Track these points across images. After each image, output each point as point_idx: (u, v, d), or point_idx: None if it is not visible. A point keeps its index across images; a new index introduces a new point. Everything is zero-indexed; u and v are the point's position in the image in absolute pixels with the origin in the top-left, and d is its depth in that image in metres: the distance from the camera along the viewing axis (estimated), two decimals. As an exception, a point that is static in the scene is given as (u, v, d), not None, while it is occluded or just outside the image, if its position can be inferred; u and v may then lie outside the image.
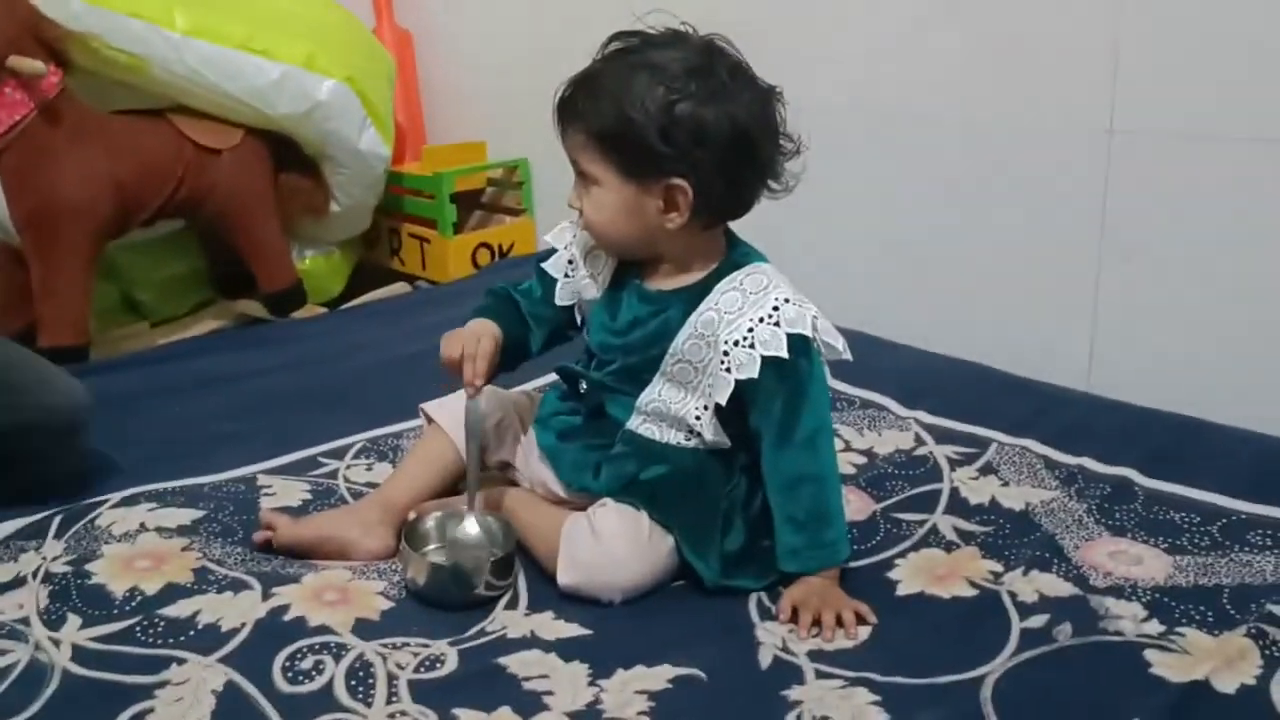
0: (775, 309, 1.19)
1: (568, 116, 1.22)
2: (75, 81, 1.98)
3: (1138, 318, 1.79)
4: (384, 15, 2.71)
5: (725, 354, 1.20)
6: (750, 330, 1.19)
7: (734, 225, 1.29)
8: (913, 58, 1.96)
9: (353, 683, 1.08)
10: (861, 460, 1.54)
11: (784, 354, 1.18)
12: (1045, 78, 1.82)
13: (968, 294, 1.97)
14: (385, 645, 1.14)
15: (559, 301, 1.37)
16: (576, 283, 1.36)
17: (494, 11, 2.61)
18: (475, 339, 1.29)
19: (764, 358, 1.18)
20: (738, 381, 1.19)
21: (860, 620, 1.19)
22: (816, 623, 1.18)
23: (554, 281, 1.37)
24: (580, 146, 1.21)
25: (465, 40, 2.73)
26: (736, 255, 1.27)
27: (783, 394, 1.20)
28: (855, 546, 1.32)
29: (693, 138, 1.16)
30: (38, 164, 1.91)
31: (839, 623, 1.18)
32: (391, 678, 1.09)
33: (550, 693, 1.07)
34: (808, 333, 1.20)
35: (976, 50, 1.89)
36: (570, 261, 1.36)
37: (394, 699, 1.06)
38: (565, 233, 1.37)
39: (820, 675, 1.11)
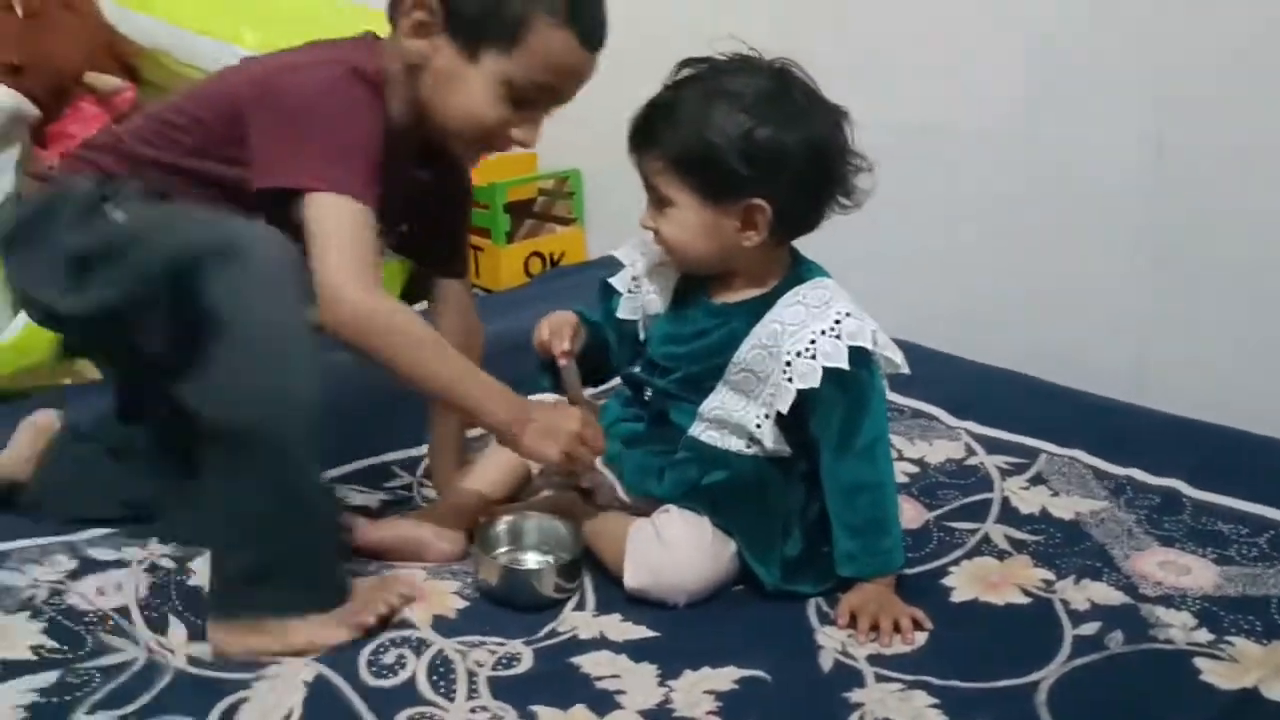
0: (837, 322, 1.24)
1: (646, 143, 1.26)
2: (148, 96, 2.05)
3: (1186, 329, 1.82)
4: (438, 27, 2.77)
5: (788, 364, 1.24)
6: (812, 342, 1.24)
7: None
8: (960, 74, 2.00)
9: (434, 677, 1.14)
10: (914, 469, 1.58)
11: (845, 365, 1.23)
12: (1092, 92, 1.86)
13: (1016, 305, 2.00)
14: (463, 643, 1.19)
15: (621, 315, 1.42)
16: (641, 297, 1.41)
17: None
18: (559, 320, 1.37)
19: (825, 368, 1.23)
20: (799, 391, 1.24)
21: (916, 626, 1.23)
22: (874, 627, 1.22)
23: (618, 296, 1.42)
24: (659, 171, 1.26)
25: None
26: (800, 270, 1.32)
27: (843, 404, 1.25)
28: (909, 554, 1.36)
29: (773, 161, 1.21)
30: (114, 176, 1.98)
31: (896, 628, 1.22)
32: (471, 674, 1.14)
33: (622, 692, 1.12)
34: (868, 345, 1.24)
35: (1024, 66, 1.93)
36: (634, 278, 1.41)
37: (474, 694, 1.11)
38: (632, 250, 1.42)
39: (880, 679, 1.15)
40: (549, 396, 1.38)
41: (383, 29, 1.31)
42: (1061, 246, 1.94)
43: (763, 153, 1.21)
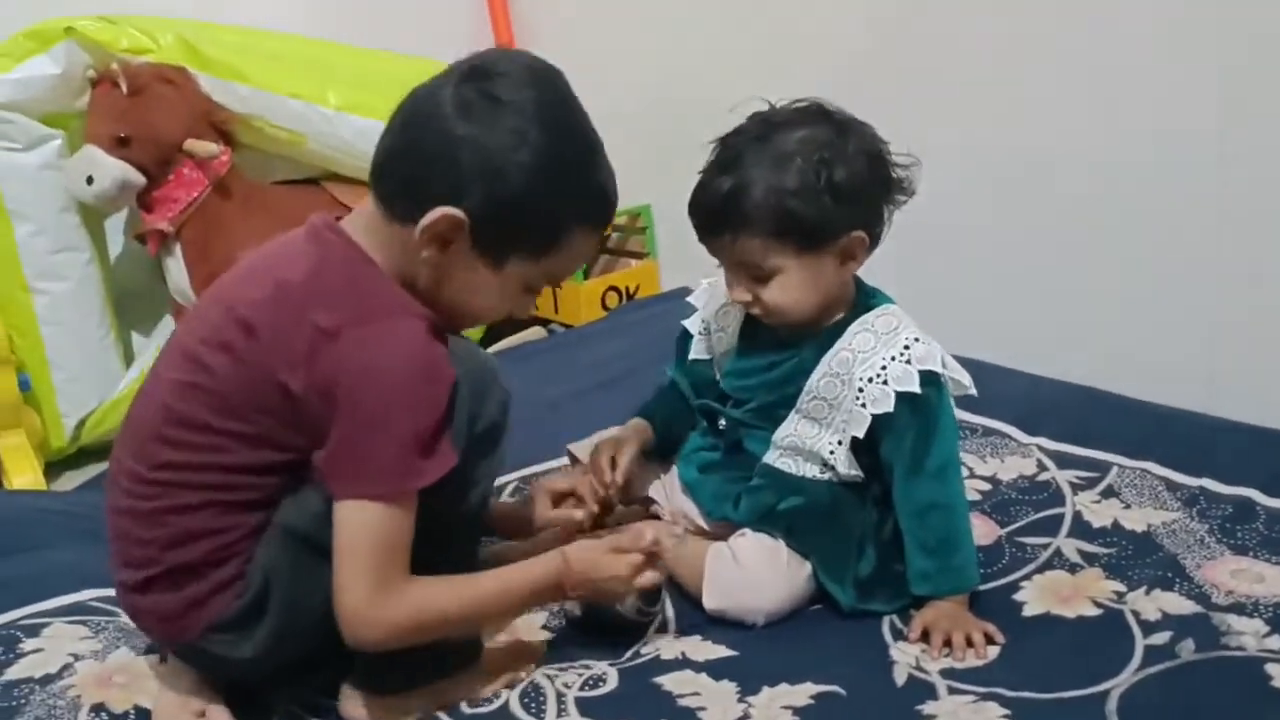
0: (906, 348, 1.29)
1: (732, 227, 1.28)
2: (241, 158, 2.17)
3: (1256, 338, 1.82)
4: (510, 77, 2.88)
5: (860, 390, 1.29)
6: (884, 368, 1.29)
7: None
8: (1021, 90, 2.02)
9: (525, 700, 1.21)
10: (986, 487, 1.60)
11: (916, 389, 1.27)
12: (1155, 104, 1.87)
13: (1083, 319, 2.01)
14: (552, 670, 1.26)
15: (694, 356, 1.48)
16: (711, 338, 1.47)
17: (613, 61, 2.74)
18: (616, 445, 1.44)
19: (898, 393, 1.27)
20: (873, 416, 1.29)
21: (989, 640, 1.27)
22: (947, 643, 1.26)
23: (691, 339, 1.49)
24: (756, 250, 1.28)
25: (584, 92, 2.86)
26: (865, 298, 1.37)
27: (915, 427, 1.29)
28: (983, 570, 1.39)
29: (854, 193, 1.27)
30: (214, 235, 2.10)
31: (969, 643, 1.26)
32: (560, 696, 1.21)
33: (703, 708, 1.18)
34: (938, 369, 1.29)
35: (1086, 80, 1.95)
36: (704, 320, 1.48)
37: (563, 713, 1.18)
38: (702, 294, 1.48)
39: (952, 691, 1.19)
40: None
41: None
42: (1127, 257, 1.95)
43: (845, 190, 1.26)
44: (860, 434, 1.29)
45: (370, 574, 1.07)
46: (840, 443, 1.32)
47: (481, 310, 1.21)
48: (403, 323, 1.10)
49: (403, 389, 1.08)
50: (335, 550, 1.08)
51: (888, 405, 1.27)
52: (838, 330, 1.33)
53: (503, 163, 1.10)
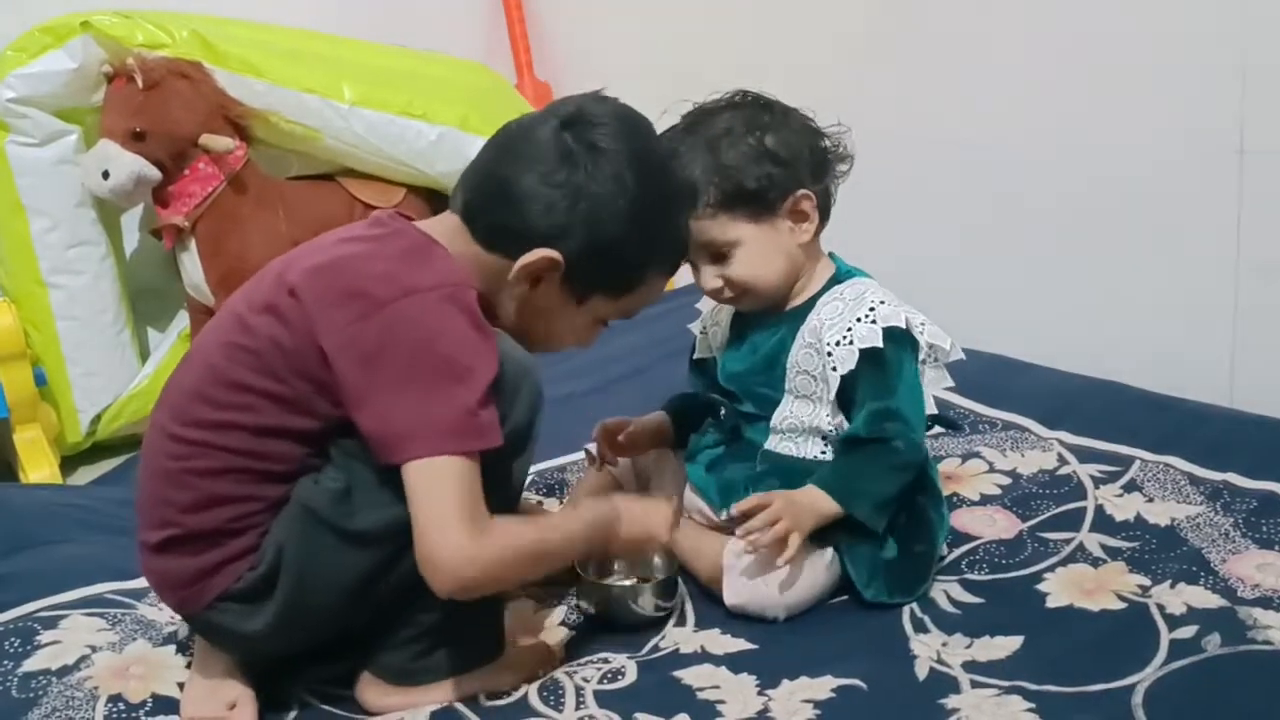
0: (872, 309, 1.31)
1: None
2: (256, 153, 2.17)
3: (1277, 329, 1.80)
4: (524, 71, 2.87)
5: (829, 354, 1.31)
6: (849, 329, 1.31)
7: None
8: (1042, 83, 2.01)
9: (544, 693, 1.20)
10: (1006, 481, 1.59)
11: (879, 344, 1.29)
12: (1176, 99, 1.86)
13: (1105, 313, 2.00)
14: (571, 665, 1.25)
15: (698, 355, 1.50)
16: (709, 338, 1.49)
17: (628, 61, 2.74)
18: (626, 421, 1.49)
19: (861, 350, 1.29)
20: (843, 378, 1.30)
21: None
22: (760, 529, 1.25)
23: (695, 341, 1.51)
24: (710, 227, 1.31)
25: (596, 86, 2.87)
26: (840, 274, 1.39)
27: (875, 380, 1.30)
28: (1002, 561, 1.38)
29: (792, 156, 1.32)
30: (228, 230, 2.10)
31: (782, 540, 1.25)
32: (579, 689, 1.20)
33: (723, 701, 1.17)
34: (900, 325, 1.30)
35: (1106, 75, 1.94)
36: (703, 321, 1.51)
37: (582, 705, 1.18)
38: (708, 301, 1.48)
39: (975, 685, 1.18)
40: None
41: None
42: (1148, 252, 1.94)
43: (780, 153, 1.31)
44: (832, 397, 1.32)
45: (463, 516, 1.07)
46: (837, 411, 1.34)
47: (556, 339, 1.26)
48: (459, 292, 1.12)
49: (463, 348, 1.10)
50: (416, 510, 1.07)
51: (852, 363, 1.29)
52: (812, 304, 1.36)
53: (603, 210, 1.16)
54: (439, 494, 1.07)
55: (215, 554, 1.14)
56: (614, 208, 1.16)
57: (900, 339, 1.31)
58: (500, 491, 1.14)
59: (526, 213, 1.16)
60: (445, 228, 1.20)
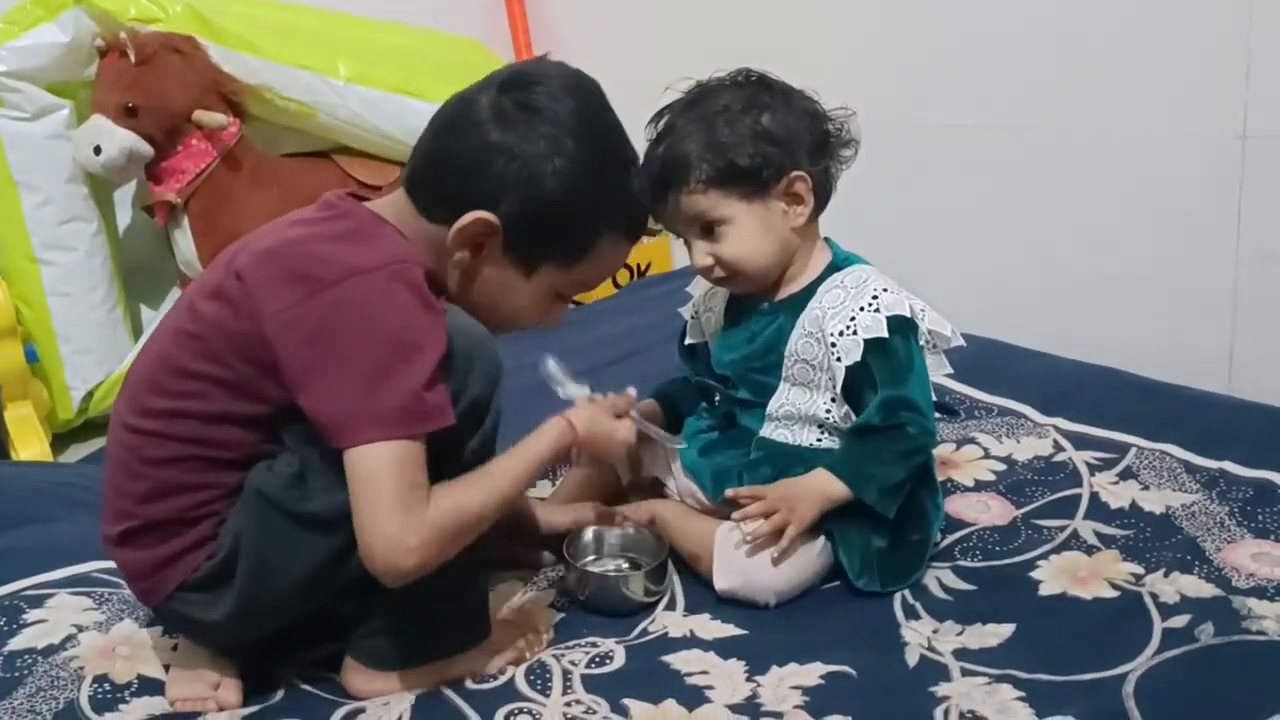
0: (875, 297, 1.30)
1: (677, 185, 1.29)
2: (250, 129, 2.15)
3: (1277, 320, 1.79)
4: (523, 49, 2.84)
5: (833, 345, 1.29)
6: (852, 319, 1.29)
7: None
8: (1043, 70, 2.00)
9: (531, 677, 1.19)
10: (1000, 467, 1.58)
11: (884, 334, 1.27)
12: (1177, 85, 1.85)
13: (1103, 300, 1.99)
14: (559, 648, 1.24)
15: (689, 340, 1.48)
16: (701, 323, 1.48)
17: (629, 45, 2.72)
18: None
19: (866, 341, 1.27)
20: (848, 369, 1.28)
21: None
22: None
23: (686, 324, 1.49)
24: (701, 201, 1.30)
25: (599, 73, 2.85)
26: (838, 261, 1.37)
27: (884, 370, 1.28)
28: (996, 548, 1.37)
29: (789, 136, 1.30)
30: (221, 207, 2.08)
31: (779, 531, 1.26)
32: (566, 674, 1.19)
33: (711, 687, 1.16)
34: (905, 313, 1.29)
35: (1107, 60, 1.92)
36: (695, 305, 1.48)
37: (569, 690, 1.17)
38: (698, 282, 1.47)
39: (966, 672, 1.17)
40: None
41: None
42: (1147, 239, 1.93)
43: (777, 133, 1.29)
44: (838, 388, 1.30)
45: (395, 506, 1.04)
46: (834, 400, 1.33)
47: (510, 315, 1.21)
48: (405, 269, 1.09)
49: (410, 326, 1.07)
50: (353, 502, 1.05)
51: (857, 355, 1.28)
52: (811, 292, 1.34)
53: (536, 170, 1.13)
54: (372, 485, 1.05)
55: (173, 544, 1.12)
56: (549, 168, 1.12)
57: (905, 327, 1.30)
58: (460, 467, 1.12)
59: (460, 176, 1.13)
60: (396, 206, 1.18)
